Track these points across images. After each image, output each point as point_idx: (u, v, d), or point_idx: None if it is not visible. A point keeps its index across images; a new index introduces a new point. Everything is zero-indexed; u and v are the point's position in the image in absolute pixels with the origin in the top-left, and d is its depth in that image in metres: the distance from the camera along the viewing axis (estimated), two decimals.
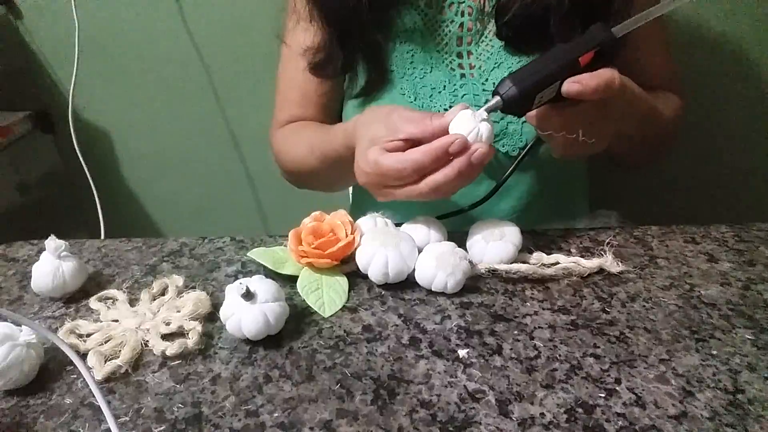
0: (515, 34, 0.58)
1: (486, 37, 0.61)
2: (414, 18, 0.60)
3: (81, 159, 1.14)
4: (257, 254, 0.49)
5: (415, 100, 0.60)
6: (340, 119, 0.70)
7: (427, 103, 0.60)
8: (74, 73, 1.12)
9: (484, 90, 0.61)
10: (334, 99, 0.69)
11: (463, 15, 0.60)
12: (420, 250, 0.46)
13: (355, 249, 0.47)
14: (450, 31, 0.61)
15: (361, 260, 0.46)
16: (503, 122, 0.60)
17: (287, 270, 0.47)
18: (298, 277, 0.47)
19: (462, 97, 0.61)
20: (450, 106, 0.60)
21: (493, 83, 0.61)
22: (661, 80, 0.69)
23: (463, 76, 0.61)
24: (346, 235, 0.47)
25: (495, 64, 0.61)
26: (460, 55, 0.62)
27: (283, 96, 0.71)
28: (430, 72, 0.61)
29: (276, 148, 0.71)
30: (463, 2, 0.60)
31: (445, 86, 0.61)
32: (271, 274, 0.47)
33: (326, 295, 0.45)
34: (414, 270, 0.46)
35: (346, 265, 0.48)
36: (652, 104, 0.57)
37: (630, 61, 0.63)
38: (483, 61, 0.61)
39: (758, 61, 1.08)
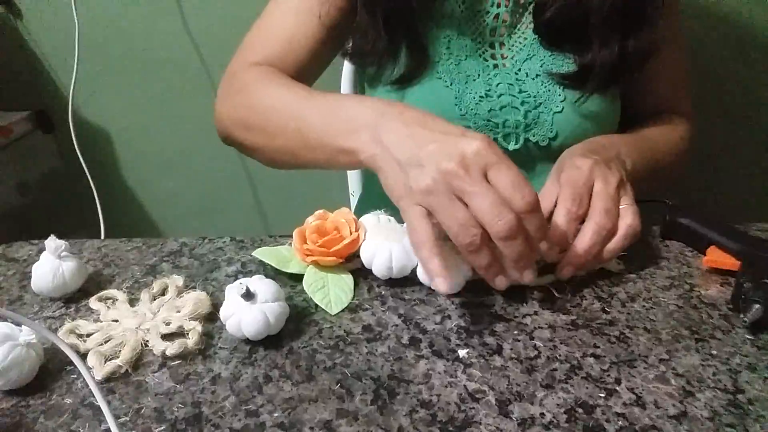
0: (552, 31, 0.60)
1: (519, 29, 0.62)
2: (453, 5, 0.61)
3: (81, 159, 1.14)
4: (262, 253, 0.49)
5: (450, 85, 0.61)
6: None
7: (462, 88, 0.61)
8: (74, 73, 1.12)
9: (517, 80, 0.61)
10: (321, 57, 0.64)
11: (499, 6, 0.61)
12: None
13: (360, 246, 0.47)
14: (485, 21, 0.62)
15: (365, 255, 0.46)
16: (535, 111, 0.61)
17: (292, 269, 0.47)
18: (299, 276, 0.47)
19: (497, 86, 0.61)
20: (485, 94, 0.61)
21: (526, 73, 0.62)
22: (672, 102, 0.69)
23: (496, 66, 0.62)
24: (350, 233, 0.47)
25: (528, 55, 0.62)
26: (492, 46, 0.63)
27: (267, 32, 0.64)
28: (465, 59, 0.62)
29: (240, 84, 0.60)
30: None
31: (479, 74, 0.61)
32: (271, 273, 0.47)
33: (332, 292, 0.45)
34: (417, 267, 0.45)
35: (350, 262, 0.48)
36: (652, 161, 0.58)
37: (648, 84, 0.64)
38: (516, 52, 0.62)
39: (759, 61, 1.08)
